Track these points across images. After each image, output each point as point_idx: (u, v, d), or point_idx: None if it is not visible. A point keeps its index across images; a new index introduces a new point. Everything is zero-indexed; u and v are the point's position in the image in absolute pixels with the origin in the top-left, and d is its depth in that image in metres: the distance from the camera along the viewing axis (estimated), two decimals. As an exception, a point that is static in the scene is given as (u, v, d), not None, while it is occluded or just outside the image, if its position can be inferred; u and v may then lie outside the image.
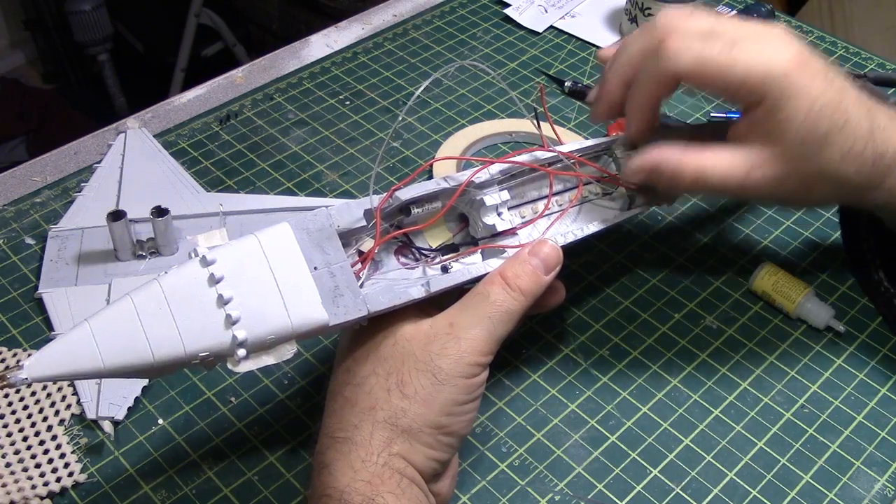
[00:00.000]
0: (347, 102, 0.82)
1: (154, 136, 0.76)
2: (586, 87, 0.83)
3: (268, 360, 0.43)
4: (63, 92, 2.16)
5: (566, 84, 0.83)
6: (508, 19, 0.93)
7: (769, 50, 0.49)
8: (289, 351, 0.43)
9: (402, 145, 0.77)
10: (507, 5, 0.95)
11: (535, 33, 0.92)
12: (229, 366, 0.42)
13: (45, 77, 2.26)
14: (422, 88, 0.52)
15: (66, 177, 0.74)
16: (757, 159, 0.51)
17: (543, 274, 0.49)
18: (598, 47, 0.90)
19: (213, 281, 0.42)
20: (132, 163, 0.73)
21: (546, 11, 0.94)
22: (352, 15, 0.96)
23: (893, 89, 0.86)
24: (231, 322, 0.41)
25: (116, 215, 0.63)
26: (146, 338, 0.40)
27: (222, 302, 0.41)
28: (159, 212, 0.63)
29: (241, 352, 0.42)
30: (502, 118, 0.79)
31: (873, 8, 1.54)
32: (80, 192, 0.71)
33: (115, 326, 0.40)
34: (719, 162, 0.51)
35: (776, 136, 0.50)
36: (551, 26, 0.93)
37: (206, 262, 0.42)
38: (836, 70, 0.51)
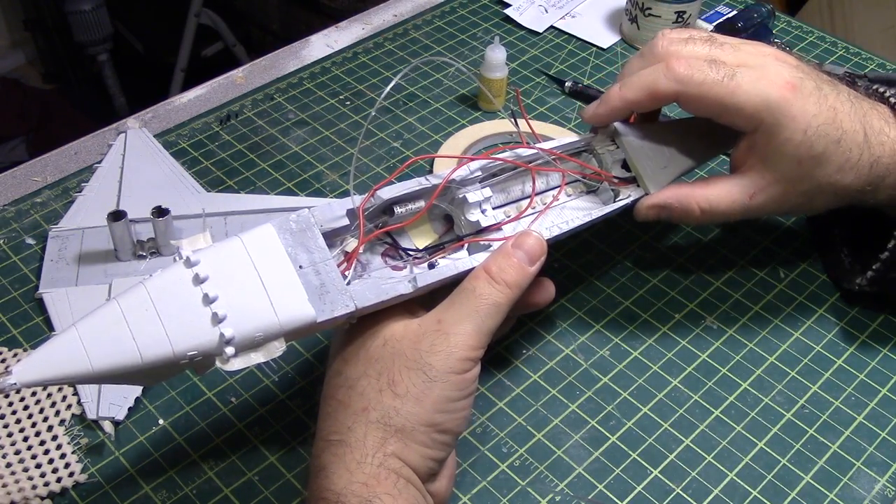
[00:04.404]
0: (348, 102, 0.82)
1: (154, 136, 0.76)
2: (586, 88, 0.83)
3: (257, 357, 0.43)
4: (63, 92, 2.16)
5: (566, 84, 0.83)
6: (508, 19, 0.93)
7: (765, 78, 0.52)
8: (278, 349, 0.43)
9: (403, 145, 0.77)
10: (508, 5, 0.95)
11: (536, 33, 0.92)
12: (218, 364, 0.42)
13: (45, 77, 2.25)
14: (392, 84, 0.52)
15: (66, 177, 0.74)
16: (758, 184, 0.55)
17: (528, 265, 0.49)
18: (598, 47, 0.90)
19: (198, 281, 0.42)
20: (132, 163, 0.73)
21: (546, 11, 0.94)
22: (352, 15, 0.96)
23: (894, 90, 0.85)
24: (217, 320, 0.41)
25: (117, 215, 0.63)
26: (133, 339, 0.40)
27: (208, 301, 0.41)
28: (160, 212, 0.63)
29: (230, 350, 0.42)
30: (502, 118, 0.79)
31: (873, 8, 1.54)
32: (80, 192, 0.71)
33: (102, 329, 0.40)
34: (724, 193, 0.55)
35: (774, 160, 0.53)
36: (551, 26, 0.93)
37: (190, 264, 0.42)
38: (828, 84, 0.54)
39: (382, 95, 0.54)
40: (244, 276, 0.43)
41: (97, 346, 0.40)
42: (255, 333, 0.42)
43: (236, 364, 0.42)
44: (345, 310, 0.45)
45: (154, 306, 0.41)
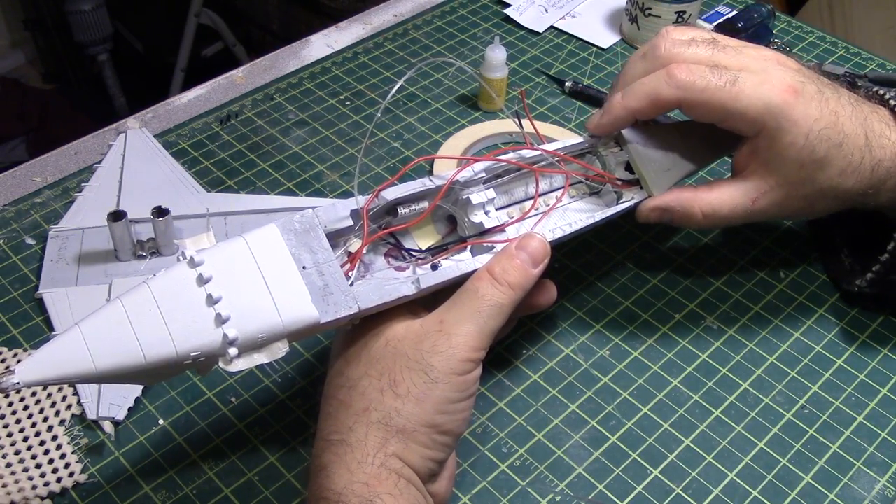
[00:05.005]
0: (348, 102, 0.82)
1: (154, 136, 0.76)
2: (586, 88, 0.83)
3: (260, 358, 0.43)
4: (63, 92, 2.16)
5: (566, 84, 0.83)
6: (509, 19, 0.93)
7: (767, 82, 0.52)
8: (281, 349, 0.43)
9: (403, 145, 0.77)
10: (508, 5, 0.95)
11: (536, 33, 0.92)
12: (221, 365, 0.42)
13: (45, 77, 2.25)
14: (397, 87, 0.52)
15: (66, 177, 0.74)
16: (760, 188, 0.55)
17: (531, 267, 0.49)
18: (598, 47, 0.90)
19: (202, 281, 0.42)
20: (132, 163, 0.73)
21: (546, 11, 0.94)
22: (352, 15, 0.96)
23: (894, 91, 0.86)
24: (221, 321, 0.41)
25: (117, 215, 0.63)
26: (137, 339, 0.40)
27: (211, 301, 0.41)
28: (160, 212, 0.63)
29: (233, 351, 0.42)
30: (503, 118, 0.79)
31: (873, 8, 1.54)
32: (80, 192, 0.71)
33: (105, 329, 0.40)
34: (726, 197, 0.55)
35: (776, 164, 0.53)
36: (551, 26, 0.93)
37: (193, 264, 0.42)
38: (829, 88, 0.54)
39: (388, 98, 0.54)
40: (248, 276, 0.43)
41: (100, 347, 0.40)
42: (258, 334, 0.42)
43: (239, 365, 0.42)
44: (348, 311, 0.45)
45: (158, 307, 0.41)
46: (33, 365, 0.39)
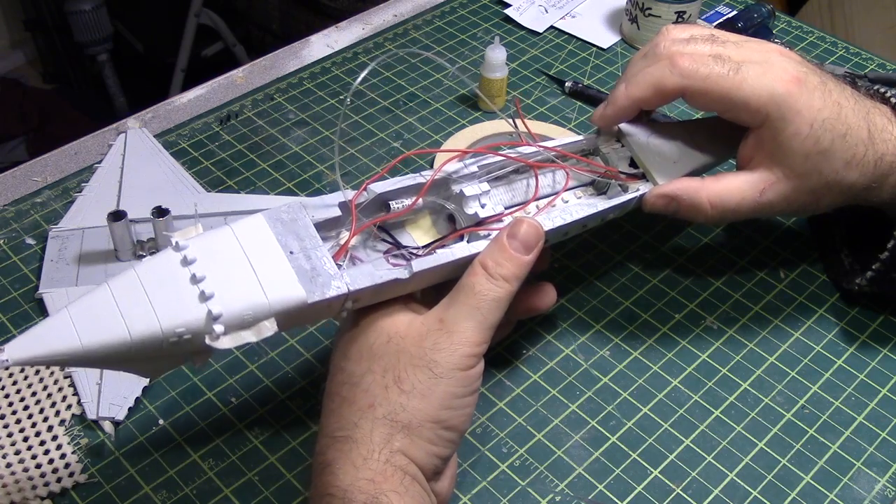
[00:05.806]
0: (348, 102, 0.82)
1: (154, 136, 0.76)
2: (586, 88, 0.83)
3: (248, 336, 0.43)
4: (63, 92, 2.16)
5: (566, 84, 0.83)
6: (509, 19, 0.93)
7: (770, 72, 0.52)
8: (268, 329, 0.43)
9: (403, 145, 0.77)
10: (508, 5, 0.95)
11: (536, 33, 0.92)
12: (207, 341, 0.42)
13: (45, 77, 2.26)
14: (364, 74, 0.52)
15: (66, 177, 0.74)
16: (768, 179, 0.54)
17: (524, 255, 0.49)
18: (598, 47, 0.90)
19: (186, 262, 0.43)
20: (132, 163, 0.73)
21: (546, 11, 0.94)
22: (352, 15, 0.96)
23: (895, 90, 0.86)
24: (205, 297, 0.42)
25: (117, 215, 0.63)
26: (122, 317, 0.41)
27: (195, 280, 0.42)
28: (160, 212, 0.63)
29: (219, 328, 0.42)
30: (503, 118, 0.79)
31: (873, 8, 1.54)
32: (80, 192, 0.71)
33: (92, 309, 0.41)
34: (734, 189, 0.55)
35: (781, 155, 0.53)
36: (551, 26, 0.93)
37: (178, 248, 0.43)
38: (831, 80, 0.54)
39: (358, 80, 0.54)
40: (233, 259, 0.44)
41: (86, 325, 0.40)
42: (244, 312, 0.43)
43: (226, 342, 0.42)
44: (337, 291, 0.45)
45: (143, 287, 0.42)
46: (22, 343, 0.40)
